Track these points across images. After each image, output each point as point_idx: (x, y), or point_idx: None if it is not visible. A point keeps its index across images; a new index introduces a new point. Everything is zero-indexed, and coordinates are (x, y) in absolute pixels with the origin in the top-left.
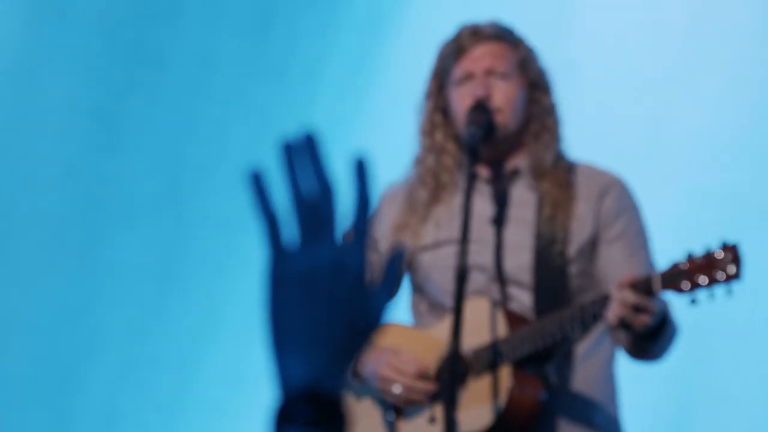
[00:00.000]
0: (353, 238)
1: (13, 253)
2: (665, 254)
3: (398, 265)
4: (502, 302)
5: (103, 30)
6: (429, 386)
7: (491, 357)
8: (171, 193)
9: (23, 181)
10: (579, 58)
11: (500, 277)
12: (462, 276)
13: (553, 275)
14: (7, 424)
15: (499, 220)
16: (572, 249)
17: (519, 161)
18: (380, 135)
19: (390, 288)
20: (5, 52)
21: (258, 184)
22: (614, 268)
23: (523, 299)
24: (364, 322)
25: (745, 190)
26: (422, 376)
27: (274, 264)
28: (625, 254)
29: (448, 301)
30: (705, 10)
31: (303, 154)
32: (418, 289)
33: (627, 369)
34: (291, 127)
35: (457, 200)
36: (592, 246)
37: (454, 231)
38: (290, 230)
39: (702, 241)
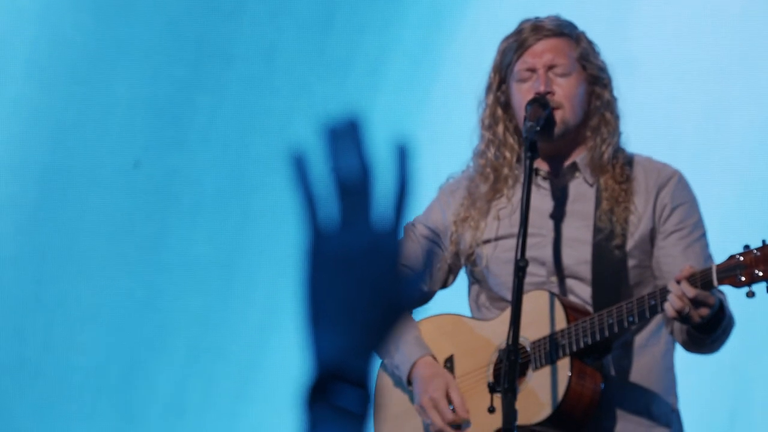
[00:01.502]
0: (390, 222)
1: (81, 247)
2: (723, 248)
3: (433, 255)
4: (561, 295)
5: (169, 26)
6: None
7: (550, 349)
8: (236, 188)
9: (91, 176)
10: (636, 53)
11: (559, 270)
12: (521, 269)
13: (611, 269)
14: (76, 414)
15: (557, 215)
16: (630, 243)
17: (578, 156)
18: (442, 130)
19: (424, 276)
20: (73, 49)
21: (299, 166)
22: (670, 261)
23: (581, 292)
24: (396, 305)
25: None
26: (455, 424)
27: (311, 244)
28: (681, 246)
29: (508, 293)
30: (761, 2)
31: (345, 137)
32: (477, 282)
33: (683, 359)
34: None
35: (517, 194)
36: (650, 239)
37: (514, 225)
38: (329, 212)
39: (759, 234)
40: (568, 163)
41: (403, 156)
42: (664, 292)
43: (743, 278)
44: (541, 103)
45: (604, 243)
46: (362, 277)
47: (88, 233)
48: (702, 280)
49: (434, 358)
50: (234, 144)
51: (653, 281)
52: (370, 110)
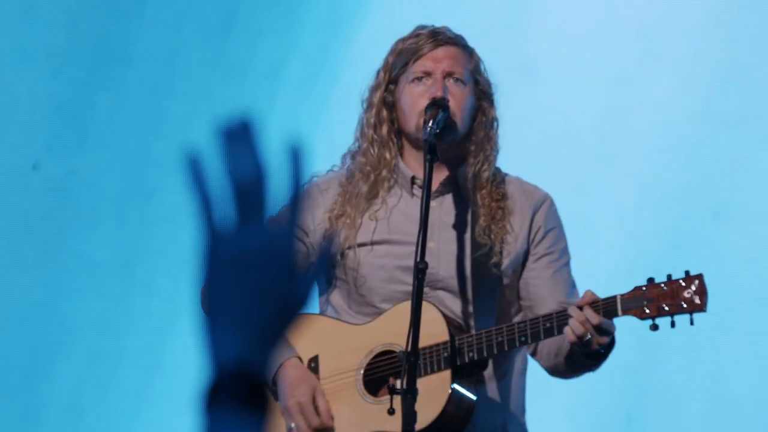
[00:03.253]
0: (283, 223)
1: None
2: (622, 250)
3: (330, 254)
4: (437, 306)
5: (69, 27)
6: None
7: (435, 359)
8: (135, 190)
9: None
10: (534, 58)
11: (432, 281)
12: (421, 271)
13: (487, 286)
14: None
15: (433, 225)
16: (505, 262)
17: (459, 170)
18: (340, 133)
19: (319, 274)
20: None
21: (194, 167)
22: (539, 283)
23: (452, 305)
24: (291, 305)
25: (697, 190)
26: (320, 429)
27: (207, 245)
28: (551, 270)
29: (376, 300)
30: (658, 11)
31: (239, 138)
32: (341, 284)
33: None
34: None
35: (393, 199)
36: (522, 260)
37: (391, 231)
38: (224, 213)
39: (656, 238)
40: (447, 175)
41: (296, 157)
42: (561, 316)
43: (648, 311)
44: (440, 105)
45: (483, 260)
46: (258, 278)
47: None
48: (605, 308)
49: (300, 359)
50: (134, 146)
51: (517, 302)
52: (269, 113)
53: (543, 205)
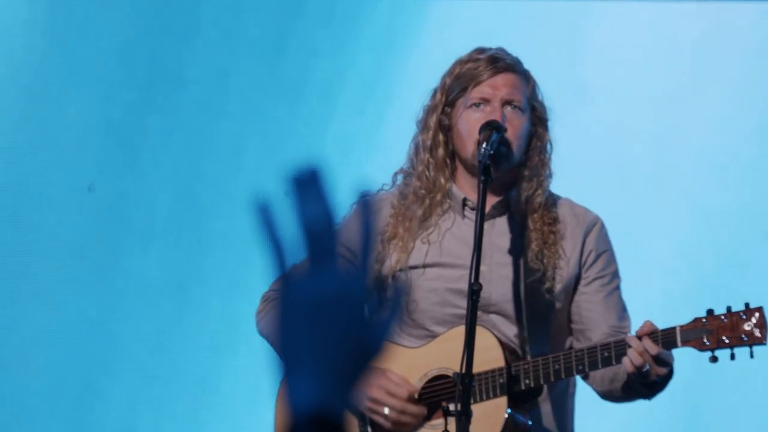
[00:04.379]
0: (356, 266)
1: (34, 269)
2: (672, 275)
3: (403, 296)
4: (492, 331)
5: (122, 49)
6: (419, 410)
7: (492, 384)
8: (188, 211)
9: (44, 199)
10: (587, 78)
11: (485, 305)
12: (475, 292)
13: (540, 311)
14: None
15: (486, 249)
16: (558, 287)
17: (512, 194)
18: (396, 154)
19: (394, 315)
20: (26, 71)
21: (264, 213)
22: (591, 307)
23: (506, 330)
24: (366, 347)
25: (750, 209)
26: (413, 399)
27: (280, 291)
28: (603, 294)
29: (428, 323)
30: (712, 31)
31: (309, 185)
32: (391, 305)
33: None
34: (307, 146)
35: (446, 222)
36: (574, 284)
37: (443, 255)
38: (295, 257)
39: (711, 259)
40: (500, 199)
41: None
42: (619, 346)
43: (708, 343)
44: (494, 126)
45: (536, 285)
46: (332, 321)
47: (41, 256)
48: (664, 339)
49: None
50: (186, 167)
51: (568, 325)
52: (323, 133)
53: (594, 228)
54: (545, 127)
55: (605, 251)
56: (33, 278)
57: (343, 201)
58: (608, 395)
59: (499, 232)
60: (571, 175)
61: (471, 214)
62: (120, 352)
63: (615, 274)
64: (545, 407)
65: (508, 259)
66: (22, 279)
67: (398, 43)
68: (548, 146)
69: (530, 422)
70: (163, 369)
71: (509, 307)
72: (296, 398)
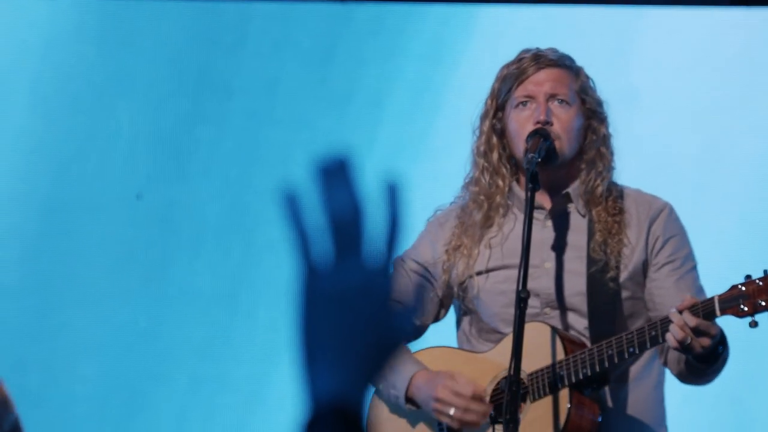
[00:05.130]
0: (381, 259)
1: (83, 277)
2: (725, 280)
3: (423, 290)
4: (558, 327)
5: (171, 59)
6: (486, 408)
7: (550, 380)
8: (237, 219)
9: (93, 207)
10: (637, 86)
11: (554, 302)
12: (523, 300)
13: (606, 301)
14: None
15: (551, 246)
16: (624, 275)
17: (571, 187)
18: (444, 161)
19: (415, 311)
20: (76, 80)
21: (291, 202)
22: (663, 293)
23: (576, 324)
24: (389, 340)
25: None
26: (479, 398)
27: (304, 282)
28: (674, 278)
29: (500, 325)
30: (760, 38)
31: (336, 174)
32: (467, 312)
33: (681, 391)
34: (355, 154)
35: (508, 224)
36: (642, 271)
37: (506, 256)
38: (321, 248)
39: (761, 267)
40: (561, 193)
41: (393, 193)
42: (664, 323)
43: (745, 308)
44: (542, 134)
45: (599, 275)
46: (356, 314)
47: (90, 264)
48: (704, 310)
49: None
50: (235, 176)
51: (646, 313)
52: (371, 142)
53: (661, 214)
54: (600, 121)
55: (674, 236)
56: (82, 286)
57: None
58: (682, 377)
59: (562, 227)
60: (620, 182)
61: (536, 213)
62: (169, 360)
63: (687, 258)
64: (627, 398)
65: (573, 254)
66: (71, 287)
67: (446, 53)
68: (605, 139)
69: (599, 411)
70: (212, 377)
71: (576, 301)
72: (315, 388)
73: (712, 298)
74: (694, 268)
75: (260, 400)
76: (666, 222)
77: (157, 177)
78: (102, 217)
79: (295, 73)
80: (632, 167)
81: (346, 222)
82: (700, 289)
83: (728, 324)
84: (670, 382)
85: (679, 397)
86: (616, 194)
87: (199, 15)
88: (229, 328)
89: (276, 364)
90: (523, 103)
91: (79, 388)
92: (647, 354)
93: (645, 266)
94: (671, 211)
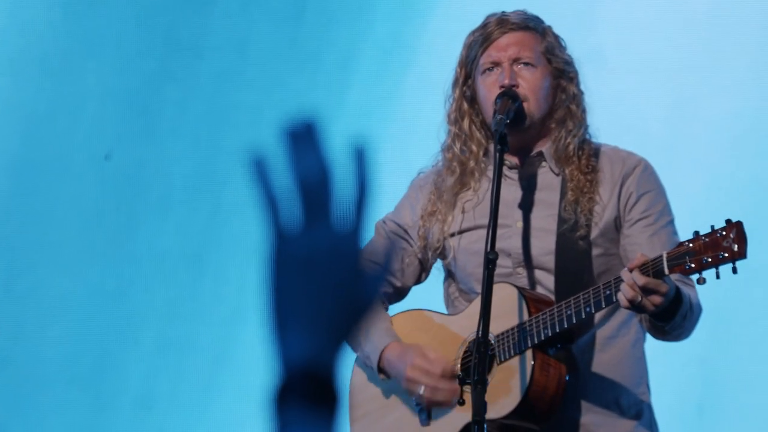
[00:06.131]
0: (351, 223)
1: (52, 238)
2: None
3: (401, 251)
4: (526, 287)
5: (139, 18)
6: (454, 386)
7: (515, 341)
8: (206, 180)
9: (61, 168)
10: (604, 46)
11: (525, 261)
12: (491, 261)
13: (574, 259)
14: (47, 405)
15: (523, 205)
16: (594, 232)
17: (544, 147)
18: (413, 121)
19: (391, 270)
20: (42, 41)
21: (259, 168)
22: (636, 249)
23: (547, 282)
24: (361, 302)
25: (766, 180)
26: (448, 376)
27: (273, 246)
28: (647, 234)
29: (475, 285)
30: None
31: (303, 138)
32: (449, 275)
33: (650, 350)
34: (325, 114)
35: (483, 186)
36: (614, 227)
37: (479, 217)
38: (290, 213)
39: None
40: (534, 154)
41: (362, 157)
42: (618, 282)
43: (692, 265)
44: (510, 95)
45: (568, 233)
46: (325, 278)
47: (58, 225)
48: (654, 268)
49: (399, 341)
50: (204, 137)
51: (621, 269)
52: (341, 102)
53: (635, 170)
54: (569, 79)
55: (648, 191)
56: (50, 247)
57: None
58: (652, 333)
59: (534, 186)
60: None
61: (509, 173)
62: (136, 321)
63: (663, 213)
64: (599, 357)
65: (545, 213)
66: (39, 248)
67: (415, 11)
68: (575, 98)
69: (567, 377)
70: (180, 338)
71: (547, 260)
72: (286, 353)
73: (660, 256)
74: (671, 222)
75: (228, 361)
76: (639, 178)
77: (126, 137)
78: (70, 178)
79: (264, 32)
80: (599, 128)
81: (314, 186)
82: (676, 244)
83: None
84: (649, 340)
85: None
86: (590, 152)
87: None
88: (198, 289)
89: (244, 325)
90: (490, 69)
91: (48, 349)
92: (624, 312)
93: (617, 223)
94: (646, 167)
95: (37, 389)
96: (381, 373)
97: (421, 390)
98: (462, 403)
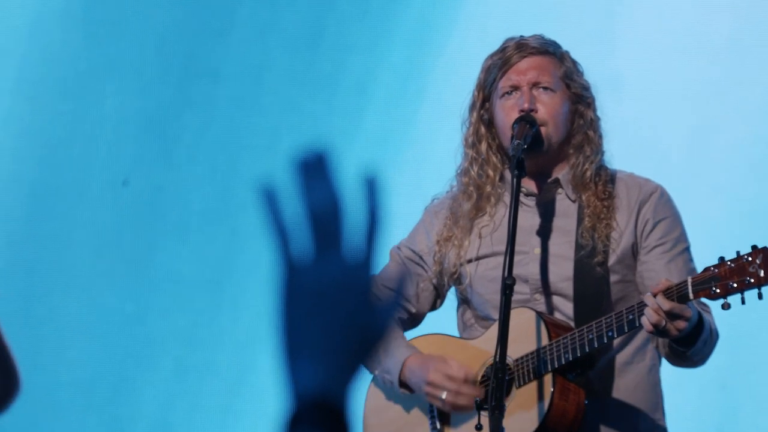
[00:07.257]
0: (362, 253)
1: (70, 263)
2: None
3: (416, 277)
4: (545, 312)
5: (157, 44)
6: (477, 391)
7: (534, 366)
8: (223, 205)
9: (79, 193)
10: (623, 71)
11: (543, 287)
12: (508, 287)
13: (593, 285)
14: (62, 429)
15: (540, 232)
16: (612, 258)
17: (560, 173)
18: (429, 147)
19: (407, 296)
20: (62, 66)
21: (270, 199)
22: (653, 275)
23: (565, 309)
24: (374, 329)
25: None
26: (470, 381)
27: (284, 276)
28: (664, 261)
29: (492, 312)
30: (747, 22)
31: (315, 169)
32: (463, 301)
33: (669, 376)
34: (342, 140)
35: (499, 212)
36: (632, 254)
37: (496, 243)
38: (301, 245)
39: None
40: (551, 179)
41: (374, 186)
42: (641, 306)
43: (717, 290)
44: (527, 120)
45: (586, 259)
46: (337, 309)
47: (76, 249)
48: (678, 293)
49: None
50: (222, 162)
51: (637, 296)
52: (357, 128)
53: (651, 197)
54: (587, 105)
55: (665, 218)
56: (68, 272)
57: (395, 204)
58: (670, 360)
59: (552, 213)
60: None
61: (526, 200)
62: (154, 346)
63: (679, 240)
64: (619, 381)
65: (562, 239)
66: (57, 272)
67: (432, 38)
68: (592, 123)
69: (585, 402)
70: (197, 363)
71: (564, 286)
72: (298, 383)
73: (685, 281)
74: (687, 249)
75: (245, 386)
76: (656, 205)
77: (144, 163)
78: (88, 203)
79: (281, 58)
80: (618, 152)
81: (326, 217)
82: (692, 271)
83: (717, 310)
84: (664, 366)
85: (665, 383)
86: (606, 178)
87: (187, 0)
88: (215, 314)
89: (261, 351)
90: (509, 93)
91: (65, 374)
92: (640, 338)
93: (634, 249)
94: (662, 193)
95: (54, 414)
96: (402, 386)
97: (444, 395)
98: (480, 428)
